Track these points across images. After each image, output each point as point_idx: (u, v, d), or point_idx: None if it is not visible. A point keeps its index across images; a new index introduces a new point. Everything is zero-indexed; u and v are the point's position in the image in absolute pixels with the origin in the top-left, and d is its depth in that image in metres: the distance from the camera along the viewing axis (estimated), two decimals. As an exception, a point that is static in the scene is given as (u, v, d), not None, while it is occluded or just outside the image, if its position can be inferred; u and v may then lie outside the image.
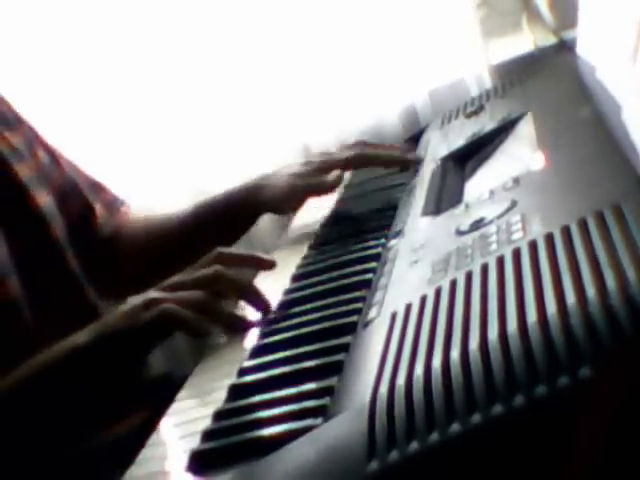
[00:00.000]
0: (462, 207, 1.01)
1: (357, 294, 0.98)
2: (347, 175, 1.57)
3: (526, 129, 1.18)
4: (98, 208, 1.40)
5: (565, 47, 1.45)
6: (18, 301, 1.17)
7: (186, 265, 1.07)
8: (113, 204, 1.44)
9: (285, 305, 1.06)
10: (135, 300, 1.06)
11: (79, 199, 1.38)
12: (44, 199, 1.27)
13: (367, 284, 1.00)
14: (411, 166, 1.35)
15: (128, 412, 1.19)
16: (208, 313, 1.02)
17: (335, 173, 1.33)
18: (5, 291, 1.15)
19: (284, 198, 1.34)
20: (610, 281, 0.65)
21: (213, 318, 1.03)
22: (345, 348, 0.87)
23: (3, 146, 1.27)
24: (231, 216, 1.37)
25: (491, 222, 0.90)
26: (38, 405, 1.07)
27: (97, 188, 1.43)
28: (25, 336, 1.17)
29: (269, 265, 1.12)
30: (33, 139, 1.35)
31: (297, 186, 1.33)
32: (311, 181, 1.33)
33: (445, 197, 1.12)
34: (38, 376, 1.07)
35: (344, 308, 0.96)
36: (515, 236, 0.82)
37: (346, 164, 1.37)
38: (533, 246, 0.77)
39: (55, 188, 1.32)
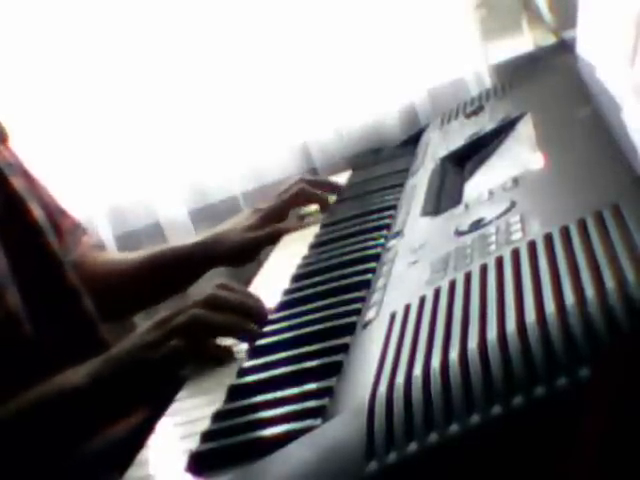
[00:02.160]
0: (461, 207, 1.02)
1: (356, 294, 0.98)
2: (347, 175, 1.58)
3: (526, 129, 1.18)
4: (65, 232, 1.41)
5: (565, 47, 1.45)
6: (17, 312, 1.16)
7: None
8: (75, 231, 1.45)
9: (285, 305, 1.06)
10: (140, 338, 1.05)
11: (54, 219, 1.37)
12: (38, 212, 1.28)
13: (366, 284, 1.00)
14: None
15: (128, 412, 1.19)
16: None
17: (287, 223, 1.44)
18: (4, 302, 1.15)
19: (240, 252, 1.44)
20: (609, 281, 0.65)
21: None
22: (344, 349, 0.87)
23: None
24: (187, 268, 1.44)
25: (490, 222, 0.90)
26: (32, 436, 1.07)
27: (62, 213, 1.44)
28: (24, 346, 1.17)
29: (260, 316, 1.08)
30: (16, 156, 1.35)
31: (252, 239, 1.43)
32: (264, 232, 1.43)
33: (444, 197, 1.12)
34: (32, 413, 1.07)
35: (343, 309, 0.96)
36: (514, 236, 0.82)
37: (291, 204, 1.47)
38: (532, 246, 0.77)
39: (41, 205, 1.32)
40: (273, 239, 1.43)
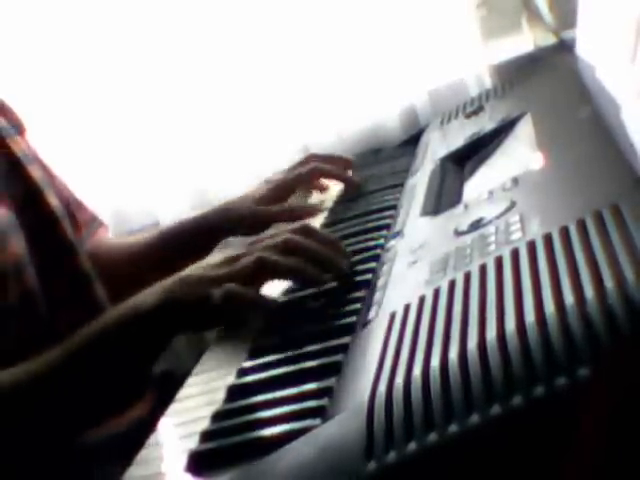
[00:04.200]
0: (461, 207, 1.02)
1: (356, 294, 0.98)
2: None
3: (525, 129, 1.18)
4: (82, 225, 1.42)
5: (565, 47, 1.45)
6: (34, 292, 1.18)
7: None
8: (92, 224, 1.47)
9: (285, 305, 1.06)
10: (206, 270, 1.05)
11: (71, 212, 1.39)
12: (54, 200, 1.29)
13: (366, 284, 1.00)
14: (353, 188, 1.44)
15: (127, 409, 1.20)
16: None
17: (300, 204, 1.45)
18: (23, 281, 1.17)
19: (249, 223, 1.43)
20: (608, 281, 0.65)
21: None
22: (344, 349, 0.87)
23: (17, 149, 1.29)
24: (198, 238, 1.44)
25: (490, 222, 0.90)
26: (88, 366, 1.06)
27: (79, 205, 1.46)
28: (39, 325, 1.18)
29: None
30: (34, 148, 1.37)
31: (260, 212, 1.43)
32: (274, 210, 1.43)
33: (444, 197, 1.12)
34: (100, 334, 1.07)
35: (343, 309, 0.96)
36: (514, 236, 0.82)
37: (302, 180, 1.47)
38: (532, 246, 0.77)
39: (58, 197, 1.33)
40: (284, 218, 1.43)
